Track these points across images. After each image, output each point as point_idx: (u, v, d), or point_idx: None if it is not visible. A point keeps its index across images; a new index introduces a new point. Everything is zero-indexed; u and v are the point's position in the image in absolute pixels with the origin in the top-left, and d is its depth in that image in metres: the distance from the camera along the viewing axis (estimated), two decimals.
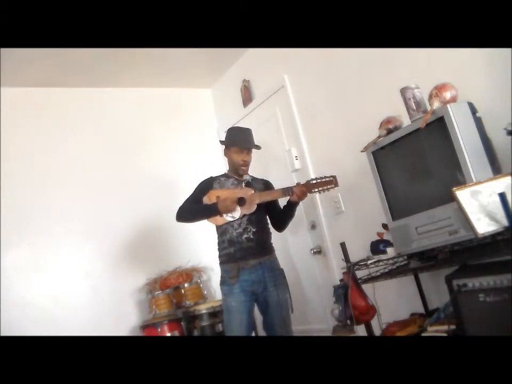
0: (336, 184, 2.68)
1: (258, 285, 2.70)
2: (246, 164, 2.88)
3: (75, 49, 3.00)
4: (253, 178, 2.94)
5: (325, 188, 2.66)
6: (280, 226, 2.94)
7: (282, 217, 2.89)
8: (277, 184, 2.94)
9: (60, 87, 3.78)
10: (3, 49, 2.87)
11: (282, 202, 2.86)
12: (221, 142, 3.02)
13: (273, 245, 2.87)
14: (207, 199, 2.80)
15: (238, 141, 2.87)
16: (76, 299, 3.50)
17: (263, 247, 2.77)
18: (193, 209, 2.83)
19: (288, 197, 2.71)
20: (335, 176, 2.68)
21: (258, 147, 2.92)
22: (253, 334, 3.31)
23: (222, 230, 2.79)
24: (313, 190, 2.66)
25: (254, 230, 2.74)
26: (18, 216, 3.45)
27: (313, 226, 3.45)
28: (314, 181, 2.67)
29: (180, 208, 2.83)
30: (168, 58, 3.74)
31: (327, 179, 2.67)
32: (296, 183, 2.73)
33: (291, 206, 2.78)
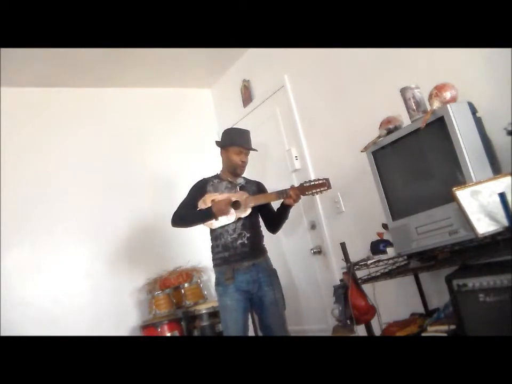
0: (329, 187, 2.73)
1: (253, 285, 2.72)
2: (244, 165, 2.88)
3: (75, 49, 3.00)
4: (246, 181, 2.93)
5: (318, 190, 2.71)
6: (274, 228, 2.94)
7: (276, 219, 2.89)
8: (277, 185, 2.94)
9: (59, 87, 3.78)
10: (3, 49, 2.87)
11: (275, 204, 2.87)
12: (217, 142, 2.96)
13: (265, 246, 2.88)
14: (203, 204, 2.78)
15: (240, 142, 2.85)
16: (76, 299, 3.50)
17: (256, 250, 2.79)
18: (188, 215, 2.82)
19: (282, 199, 2.72)
20: (327, 178, 2.73)
21: (255, 149, 2.93)
22: (253, 334, 3.32)
23: (216, 235, 2.79)
24: (306, 193, 2.71)
25: (248, 235, 2.75)
26: (18, 216, 3.45)
27: (313, 226, 3.45)
28: (307, 184, 2.71)
29: (175, 213, 2.81)
30: (168, 58, 3.73)
31: (320, 181, 2.72)
32: (291, 186, 2.74)
33: (285, 209, 2.79)
